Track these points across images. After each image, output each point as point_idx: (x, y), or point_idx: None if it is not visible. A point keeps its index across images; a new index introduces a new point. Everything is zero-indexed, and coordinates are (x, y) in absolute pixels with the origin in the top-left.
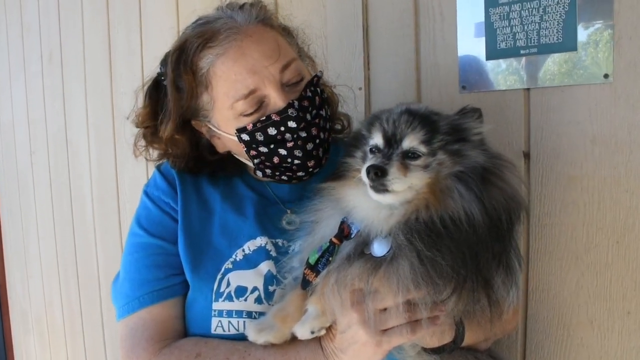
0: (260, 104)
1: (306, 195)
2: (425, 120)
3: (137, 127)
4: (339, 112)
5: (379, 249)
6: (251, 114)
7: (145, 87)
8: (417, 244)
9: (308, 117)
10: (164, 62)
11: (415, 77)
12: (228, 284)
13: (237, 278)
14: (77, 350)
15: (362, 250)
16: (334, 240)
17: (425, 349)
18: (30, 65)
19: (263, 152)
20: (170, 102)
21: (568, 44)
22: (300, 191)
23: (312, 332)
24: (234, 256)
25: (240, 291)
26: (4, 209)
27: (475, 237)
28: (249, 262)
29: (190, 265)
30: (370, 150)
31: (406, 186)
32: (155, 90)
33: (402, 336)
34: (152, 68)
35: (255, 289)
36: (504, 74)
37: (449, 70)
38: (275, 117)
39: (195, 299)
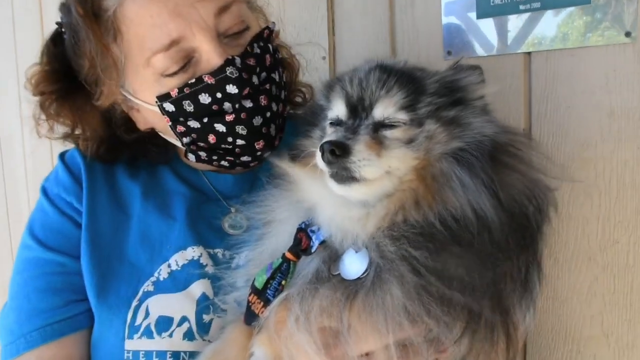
0: (189, 60)
1: (257, 186)
2: (405, 78)
3: (33, 94)
4: (299, 82)
5: (351, 267)
6: (176, 73)
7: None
8: (412, 258)
9: (254, 80)
10: (62, 7)
11: (390, 43)
12: (147, 314)
13: (160, 305)
14: None
15: (329, 270)
16: (288, 255)
17: None
18: None
19: (194, 128)
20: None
21: None
22: (249, 183)
23: None
24: (156, 274)
25: (164, 323)
26: None
27: (492, 245)
28: (177, 282)
29: (95, 289)
30: (330, 124)
31: (382, 171)
32: (55, 45)
33: None
34: None
35: (184, 319)
36: (499, 35)
37: (431, 32)
38: (208, 79)
39: (102, 335)
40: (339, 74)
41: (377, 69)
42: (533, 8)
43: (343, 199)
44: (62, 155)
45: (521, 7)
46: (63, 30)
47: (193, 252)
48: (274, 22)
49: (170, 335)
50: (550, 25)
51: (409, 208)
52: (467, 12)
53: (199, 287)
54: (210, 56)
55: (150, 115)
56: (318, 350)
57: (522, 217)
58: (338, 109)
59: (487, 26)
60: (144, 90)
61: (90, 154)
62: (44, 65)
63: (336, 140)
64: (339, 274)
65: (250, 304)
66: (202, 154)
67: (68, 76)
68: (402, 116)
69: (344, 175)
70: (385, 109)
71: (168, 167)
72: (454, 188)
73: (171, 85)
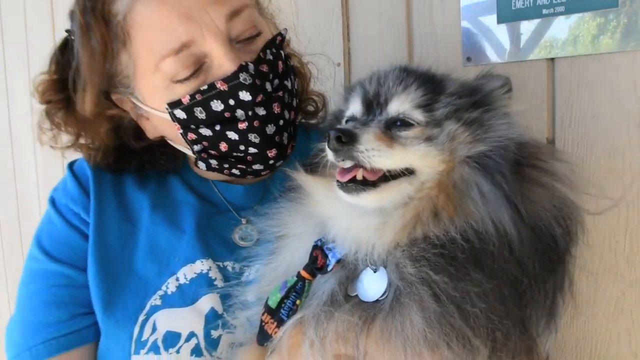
0: (200, 66)
1: (268, 196)
2: (424, 78)
3: (40, 102)
4: (310, 90)
5: (369, 288)
6: (187, 79)
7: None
8: (433, 283)
9: (267, 87)
10: (71, 14)
11: (407, 49)
12: (154, 329)
13: (167, 320)
14: None
15: (346, 290)
16: (303, 274)
17: None
18: None
19: (205, 135)
20: (82, 64)
21: None
22: (260, 194)
23: None
24: (163, 287)
25: (171, 339)
26: None
27: (518, 268)
28: (185, 297)
29: (102, 302)
30: (345, 122)
31: (397, 165)
32: (62, 54)
33: None
34: None
35: (192, 335)
36: (521, 40)
37: (450, 38)
38: (221, 86)
39: (109, 350)
40: (361, 78)
41: (397, 69)
42: (557, 12)
43: (359, 209)
44: (70, 165)
45: (544, 11)
46: (72, 37)
47: (202, 265)
48: (285, 29)
49: (178, 352)
50: (575, 29)
51: (426, 220)
52: (488, 16)
53: (207, 302)
54: (222, 61)
55: (160, 123)
56: None
57: (548, 237)
58: (354, 106)
59: (509, 31)
60: (154, 97)
61: (97, 163)
62: (52, 73)
63: (343, 127)
64: (357, 295)
65: (263, 323)
66: (213, 162)
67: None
68: (418, 115)
69: (352, 187)
70: (400, 105)
71: (178, 176)
72: (474, 198)
73: (181, 92)
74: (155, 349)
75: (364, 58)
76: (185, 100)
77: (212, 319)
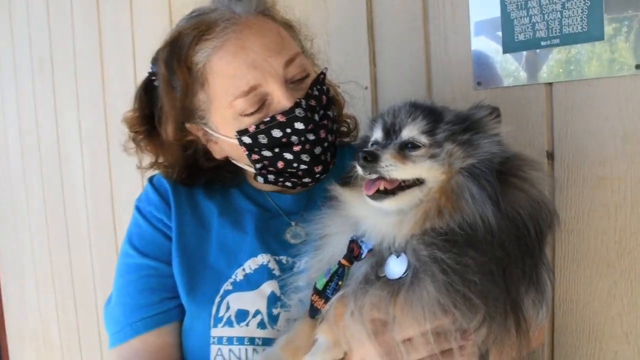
0: (263, 102)
1: (312, 203)
2: (428, 111)
3: (129, 130)
4: (344, 114)
5: (394, 269)
6: (252, 113)
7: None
8: (440, 261)
9: (316, 117)
10: (154, 60)
11: (426, 74)
12: (227, 308)
13: (238, 301)
14: None
15: (377, 272)
16: (343, 262)
17: None
18: (20, 73)
19: (266, 156)
20: (165, 103)
21: (594, 33)
22: (305, 201)
23: None
24: (233, 276)
25: (241, 315)
26: None
27: (501, 250)
28: (250, 283)
29: (185, 288)
30: (370, 145)
31: (409, 176)
32: (145, 93)
33: None
34: (145, 71)
35: (257, 312)
36: (523, 68)
37: (462, 65)
38: (280, 118)
39: (192, 325)
40: (381, 111)
41: (408, 104)
42: (553, 44)
43: (383, 211)
44: (150, 179)
45: (542, 42)
46: (154, 78)
47: (262, 258)
48: (326, 68)
49: (247, 325)
50: (568, 59)
51: (432, 216)
52: (494, 47)
53: (268, 287)
54: (280, 99)
55: (227, 146)
56: (369, 337)
57: (523, 228)
58: (376, 133)
59: (513, 60)
60: (225, 127)
61: (172, 179)
62: (135, 111)
63: (368, 149)
64: (384, 275)
65: (313, 302)
66: (271, 177)
67: (155, 118)
68: (423, 139)
69: (377, 195)
70: (410, 132)
71: (238, 189)
72: (466, 199)
73: (248, 123)
74: (229, 323)
75: (389, 81)
76: (252, 129)
77: (273, 300)
